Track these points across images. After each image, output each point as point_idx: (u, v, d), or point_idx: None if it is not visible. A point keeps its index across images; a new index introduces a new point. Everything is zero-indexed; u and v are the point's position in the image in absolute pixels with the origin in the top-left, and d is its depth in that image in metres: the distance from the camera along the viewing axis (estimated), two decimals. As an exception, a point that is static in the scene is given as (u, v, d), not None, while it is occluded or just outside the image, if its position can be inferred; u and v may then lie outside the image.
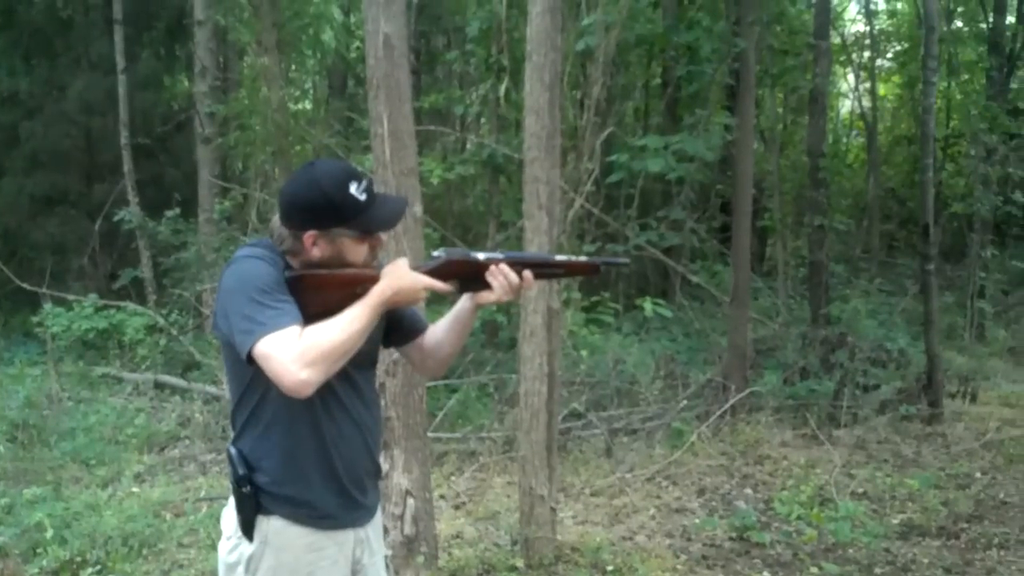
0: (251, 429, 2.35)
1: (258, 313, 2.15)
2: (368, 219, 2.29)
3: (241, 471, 2.32)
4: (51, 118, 14.49)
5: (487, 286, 2.34)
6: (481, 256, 2.34)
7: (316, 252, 2.29)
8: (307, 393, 2.13)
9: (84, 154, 15.27)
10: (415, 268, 2.33)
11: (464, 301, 2.48)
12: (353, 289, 2.25)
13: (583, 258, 2.47)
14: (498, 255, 2.33)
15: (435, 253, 2.38)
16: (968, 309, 12.74)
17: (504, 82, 9.67)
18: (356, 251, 2.31)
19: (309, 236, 2.27)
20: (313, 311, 2.21)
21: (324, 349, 2.13)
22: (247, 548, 2.35)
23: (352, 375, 2.36)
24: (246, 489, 2.32)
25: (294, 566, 2.35)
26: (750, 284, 9.36)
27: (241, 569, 2.36)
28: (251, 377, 2.27)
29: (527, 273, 2.34)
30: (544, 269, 2.42)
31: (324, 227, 2.26)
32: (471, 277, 2.34)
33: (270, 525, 2.34)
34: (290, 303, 2.20)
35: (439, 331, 2.59)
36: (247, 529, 2.34)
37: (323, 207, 2.24)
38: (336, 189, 2.25)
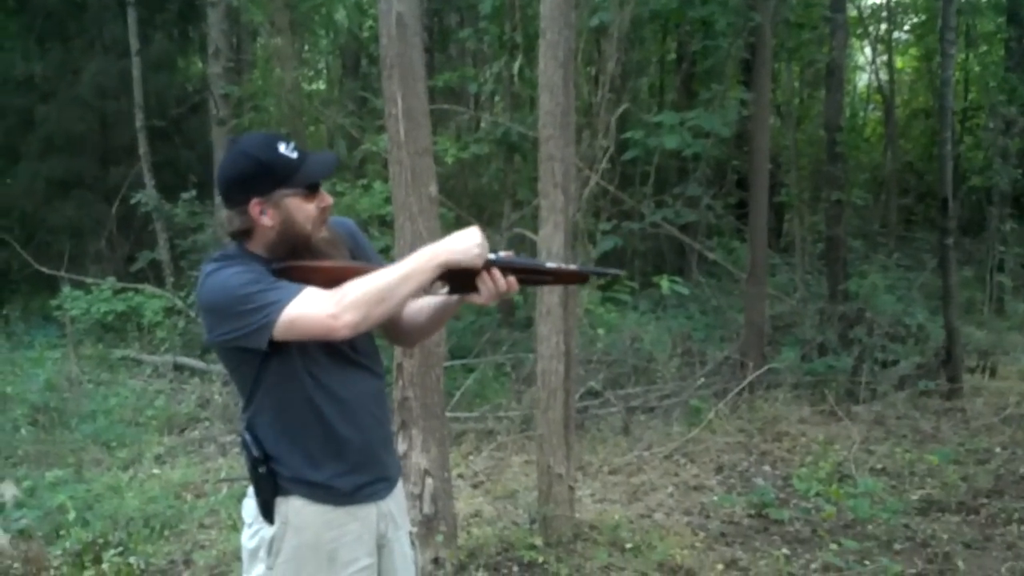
0: (259, 417, 2.36)
1: (262, 300, 2.17)
2: (306, 173, 2.29)
3: (256, 453, 2.34)
4: (66, 102, 14.49)
5: (475, 288, 2.32)
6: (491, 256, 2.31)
7: (266, 221, 2.28)
8: (347, 335, 2.16)
9: (99, 137, 15.28)
10: None
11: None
12: (342, 282, 2.24)
13: (573, 266, 2.47)
14: (491, 257, 2.30)
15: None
16: (987, 283, 12.65)
17: (518, 60, 9.63)
18: (304, 211, 2.29)
19: (254, 205, 2.27)
20: None
21: (363, 292, 2.16)
22: (268, 531, 2.36)
23: (348, 352, 2.37)
24: (262, 470, 2.34)
25: (316, 544, 2.36)
26: (767, 260, 9.32)
27: (263, 552, 2.37)
28: (252, 370, 2.30)
29: (511, 279, 2.31)
30: (533, 276, 2.40)
31: (265, 192, 2.26)
32: (463, 277, 2.31)
33: (289, 505, 2.35)
34: (287, 284, 2.22)
35: (422, 312, 2.58)
36: (267, 511, 2.36)
37: (258, 172, 2.25)
38: (265, 152, 2.26)
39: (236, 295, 2.18)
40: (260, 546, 2.38)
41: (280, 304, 2.16)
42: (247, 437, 2.37)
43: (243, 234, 2.33)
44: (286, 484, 2.35)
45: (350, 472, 2.40)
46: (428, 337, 2.64)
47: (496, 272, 2.29)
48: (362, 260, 2.47)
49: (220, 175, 2.33)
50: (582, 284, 2.40)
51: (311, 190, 2.31)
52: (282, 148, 2.27)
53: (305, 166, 2.29)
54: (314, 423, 2.34)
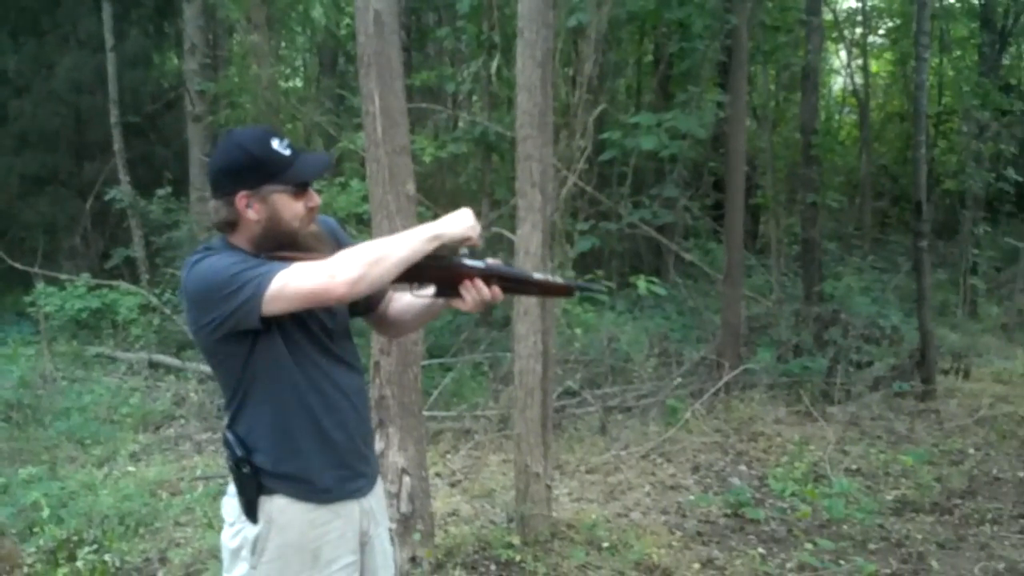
0: (243, 412, 2.35)
1: (248, 275, 2.16)
2: (296, 171, 2.29)
3: (239, 452, 2.33)
4: (40, 97, 14.38)
5: (459, 294, 2.33)
6: (469, 263, 2.32)
7: (251, 215, 2.28)
8: (345, 292, 2.14)
9: (74, 133, 15.16)
10: None
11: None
12: None
13: (560, 280, 2.47)
14: (479, 264, 2.32)
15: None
16: (961, 286, 12.76)
17: (496, 59, 9.62)
18: (291, 208, 2.30)
19: (241, 198, 2.27)
20: None
21: (359, 253, 2.17)
22: (251, 530, 2.35)
23: (330, 346, 2.39)
24: (246, 470, 2.32)
25: (300, 543, 2.36)
26: (743, 262, 9.37)
27: (246, 552, 2.36)
28: (239, 363, 2.29)
29: (496, 288, 2.33)
30: (519, 286, 2.42)
31: (253, 186, 2.26)
32: (449, 280, 2.32)
33: (273, 504, 2.34)
34: (275, 263, 2.21)
35: (409, 309, 2.61)
36: (250, 511, 2.35)
37: (248, 165, 2.26)
38: (258, 146, 2.27)
39: (222, 277, 2.17)
40: (243, 546, 2.37)
41: (268, 275, 2.15)
42: (229, 436, 2.35)
43: (228, 226, 2.32)
44: (270, 482, 2.34)
45: (335, 468, 2.40)
46: (409, 333, 2.65)
47: (479, 282, 2.30)
48: None
49: (211, 164, 2.34)
50: (566, 298, 2.42)
51: (300, 188, 2.31)
52: (275, 144, 2.27)
53: (296, 165, 2.29)
54: (300, 418, 2.34)
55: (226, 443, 2.37)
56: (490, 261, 2.35)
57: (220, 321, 2.21)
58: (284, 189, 2.28)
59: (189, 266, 2.26)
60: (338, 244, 2.48)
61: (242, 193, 2.26)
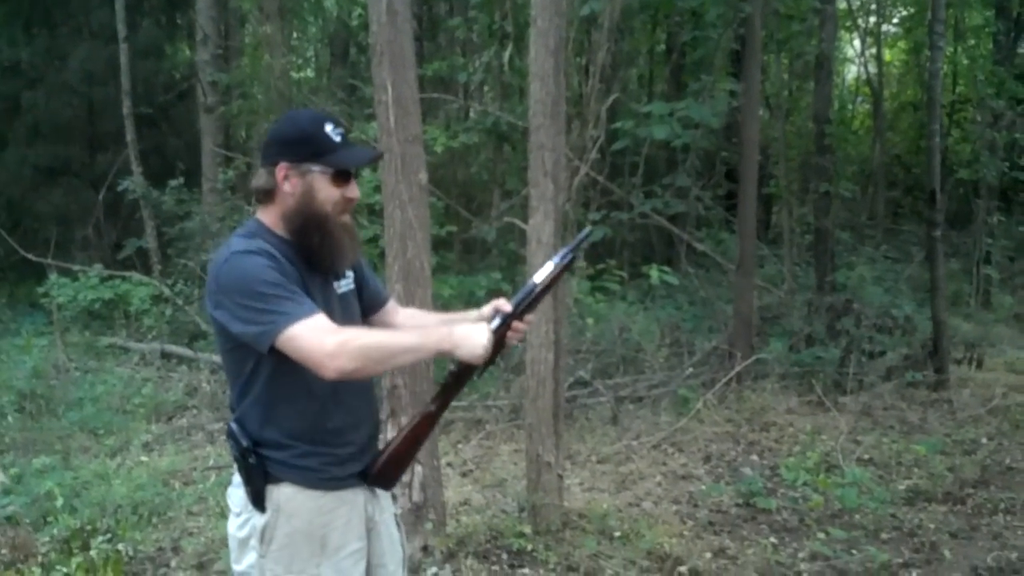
0: (250, 402, 2.36)
1: (276, 305, 2.19)
2: (339, 157, 2.34)
3: (245, 442, 2.34)
4: (53, 88, 14.41)
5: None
6: (495, 325, 2.36)
7: (287, 187, 2.33)
8: (332, 378, 2.18)
9: (86, 124, 15.22)
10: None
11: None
12: None
13: (556, 260, 2.49)
14: (501, 320, 2.37)
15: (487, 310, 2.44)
16: (974, 275, 12.71)
17: (508, 49, 9.61)
18: (327, 191, 2.34)
19: (281, 168, 2.33)
20: None
21: (368, 345, 2.21)
22: (259, 519, 2.37)
23: None
24: (252, 460, 2.33)
25: (308, 530, 2.37)
26: (755, 251, 9.34)
27: (255, 541, 2.38)
28: (252, 358, 2.30)
29: (517, 324, 2.40)
30: (535, 301, 2.45)
31: (296, 159, 2.32)
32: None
33: (280, 492, 2.36)
34: (303, 295, 2.25)
35: (423, 324, 2.67)
36: (258, 500, 2.36)
37: (296, 139, 2.33)
38: (311, 125, 2.34)
39: (254, 290, 2.20)
40: (251, 535, 2.39)
41: (289, 318, 2.18)
42: (234, 427, 2.37)
43: (265, 195, 2.37)
44: (277, 471, 2.35)
45: (345, 458, 2.42)
46: None
47: (514, 328, 2.39)
48: (357, 264, 2.57)
49: (268, 131, 2.43)
50: (572, 268, 2.46)
51: (342, 176, 2.35)
52: (328, 128, 2.34)
53: (341, 151, 2.35)
54: (310, 408, 2.35)
55: (231, 434, 2.38)
56: (500, 304, 2.41)
57: (232, 326, 2.24)
58: (323, 171, 2.33)
59: (230, 251, 2.27)
60: (359, 267, 2.57)
61: (283, 164, 2.32)
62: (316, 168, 2.32)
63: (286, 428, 2.35)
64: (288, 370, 2.25)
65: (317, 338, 2.16)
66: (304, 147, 2.32)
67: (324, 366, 2.16)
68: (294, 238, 2.34)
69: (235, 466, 2.41)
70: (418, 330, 2.40)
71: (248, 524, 2.39)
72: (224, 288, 2.24)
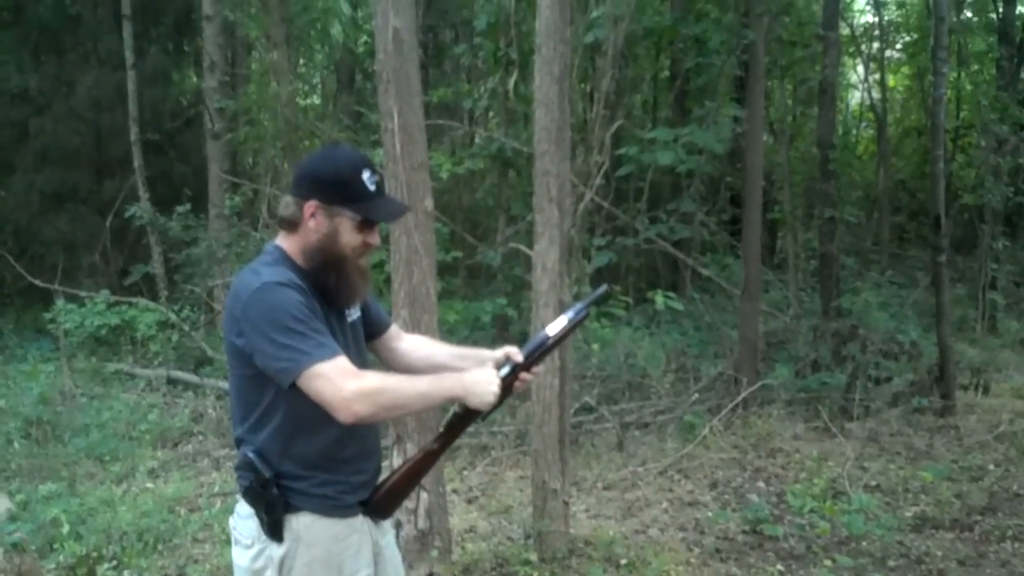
0: (269, 433, 2.36)
1: (300, 342, 2.20)
2: (370, 208, 2.36)
3: (268, 473, 2.34)
4: (60, 115, 14.49)
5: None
6: (505, 373, 2.39)
7: (312, 224, 2.35)
8: (349, 422, 2.22)
9: (94, 150, 15.28)
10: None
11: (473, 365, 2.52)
12: None
13: (564, 318, 2.52)
14: (511, 368, 2.41)
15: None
16: (980, 301, 12.68)
17: (513, 75, 9.65)
18: (350, 237, 2.36)
19: (311, 205, 2.34)
20: None
21: (384, 392, 2.24)
22: (277, 550, 2.37)
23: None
24: (274, 490, 2.34)
25: (326, 559, 2.39)
26: (761, 277, 9.33)
27: (272, 572, 2.38)
28: (272, 389, 2.31)
29: (524, 375, 2.44)
30: (545, 352, 2.49)
31: (328, 201, 2.33)
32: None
33: (300, 521, 2.37)
34: (327, 334, 2.27)
35: (429, 358, 2.68)
36: (275, 530, 2.36)
37: (332, 181, 2.33)
38: (349, 170, 2.34)
39: (282, 323, 2.21)
40: (267, 565, 2.38)
41: (312, 357, 2.20)
42: (253, 457, 2.35)
43: (289, 224, 2.39)
44: (297, 500, 2.36)
45: (357, 486, 2.45)
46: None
47: (521, 378, 2.43)
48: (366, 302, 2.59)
49: (303, 163, 2.44)
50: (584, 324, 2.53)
51: (367, 223, 2.37)
52: (365, 176, 2.34)
53: (373, 203, 2.37)
54: (328, 438, 2.36)
55: (248, 465, 2.36)
56: (512, 352, 2.44)
57: (256, 362, 2.26)
58: (352, 217, 2.35)
59: (260, 281, 2.28)
60: (367, 305, 2.60)
61: (314, 202, 2.34)
62: (347, 213, 2.34)
63: (305, 458, 2.36)
64: (308, 402, 2.26)
65: (337, 382, 2.19)
66: (339, 191, 2.33)
67: (341, 410, 2.19)
68: (311, 273, 2.36)
69: (242, 496, 2.41)
70: (430, 376, 2.40)
71: (263, 555, 2.38)
72: (250, 317, 2.25)
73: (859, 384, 8.34)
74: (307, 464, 2.36)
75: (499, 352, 2.47)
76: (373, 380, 2.25)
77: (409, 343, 2.75)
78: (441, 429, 2.53)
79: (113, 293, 11.43)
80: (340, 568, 2.40)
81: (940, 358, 8.56)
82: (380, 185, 2.39)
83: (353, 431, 2.38)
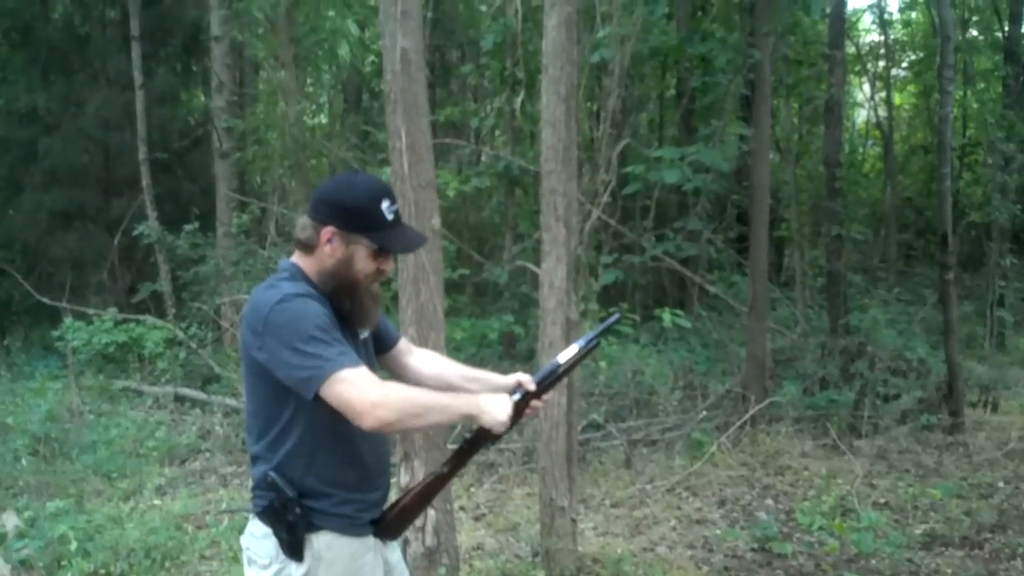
0: (288, 451, 2.36)
1: (324, 350, 2.22)
2: (387, 237, 2.38)
3: (291, 492, 2.33)
4: (69, 134, 14.56)
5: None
6: (517, 398, 2.43)
7: (328, 249, 2.36)
8: (372, 428, 2.22)
9: (102, 169, 15.33)
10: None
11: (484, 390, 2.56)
12: None
13: (575, 347, 2.56)
14: (516, 397, 2.42)
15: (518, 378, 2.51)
16: (988, 318, 12.64)
17: (519, 95, 9.70)
18: (364, 263, 2.38)
19: (328, 231, 2.35)
20: None
21: (408, 399, 2.26)
22: (296, 569, 2.37)
23: None
24: (298, 509, 2.34)
25: None
26: (768, 294, 9.33)
27: None
28: (291, 406, 2.31)
29: (535, 403, 2.47)
30: (556, 380, 2.53)
31: (346, 228, 2.35)
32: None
33: (320, 541, 2.37)
34: (348, 345, 2.29)
35: (439, 377, 2.69)
36: (295, 550, 2.36)
37: (352, 209, 2.34)
38: (369, 199, 2.35)
39: (306, 332, 2.23)
40: None
41: (336, 364, 2.21)
42: (275, 476, 2.35)
43: (305, 247, 2.41)
44: (318, 520, 2.36)
45: (371, 503, 2.47)
46: None
47: (537, 404, 2.46)
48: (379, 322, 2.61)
49: (323, 188, 2.44)
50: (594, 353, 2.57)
51: (382, 252, 2.39)
52: (384, 205, 2.36)
53: (391, 233, 2.39)
54: (347, 455, 2.38)
55: (270, 484, 2.35)
56: (524, 379, 2.47)
57: (278, 374, 2.27)
58: (368, 245, 2.36)
59: (281, 298, 2.29)
60: (380, 325, 2.62)
61: (331, 228, 2.35)
62: (363, 241, 2.36)
63: (326, 476, 2.37)
64: (326, 419, 2.27)
65: (362, 388, 2.20)
66: (357, 220, 2.34)
67: (366, 415, 2.19)
68: (326, 296, 2.38)
69: (258, 515, 2.40)
70: (448, 392, 2.45)
71: (283, 574, 2.38)
72: (273, 328, 2.25)
73: (867, 401, 8.32)
74: (327, 481, 2.37)
75: (511, 378, 2.50)
76: (396, 387, 2.28)
77: (419, 358, 2.76)
78: (451, 453, 2.54)
79: (121, 311, 11.46)
80: None
81: (948, 375, 8.54)
82: (398, 215, 2.41)
83: (369, 446, 2.40)
